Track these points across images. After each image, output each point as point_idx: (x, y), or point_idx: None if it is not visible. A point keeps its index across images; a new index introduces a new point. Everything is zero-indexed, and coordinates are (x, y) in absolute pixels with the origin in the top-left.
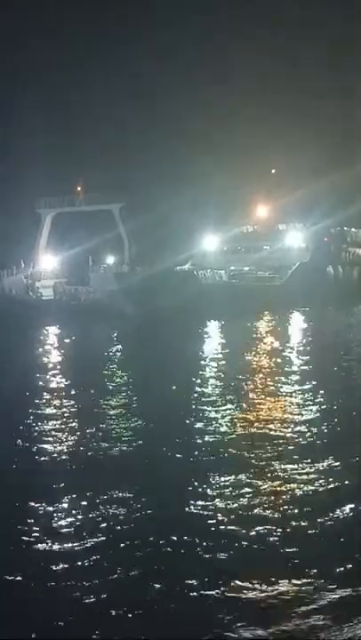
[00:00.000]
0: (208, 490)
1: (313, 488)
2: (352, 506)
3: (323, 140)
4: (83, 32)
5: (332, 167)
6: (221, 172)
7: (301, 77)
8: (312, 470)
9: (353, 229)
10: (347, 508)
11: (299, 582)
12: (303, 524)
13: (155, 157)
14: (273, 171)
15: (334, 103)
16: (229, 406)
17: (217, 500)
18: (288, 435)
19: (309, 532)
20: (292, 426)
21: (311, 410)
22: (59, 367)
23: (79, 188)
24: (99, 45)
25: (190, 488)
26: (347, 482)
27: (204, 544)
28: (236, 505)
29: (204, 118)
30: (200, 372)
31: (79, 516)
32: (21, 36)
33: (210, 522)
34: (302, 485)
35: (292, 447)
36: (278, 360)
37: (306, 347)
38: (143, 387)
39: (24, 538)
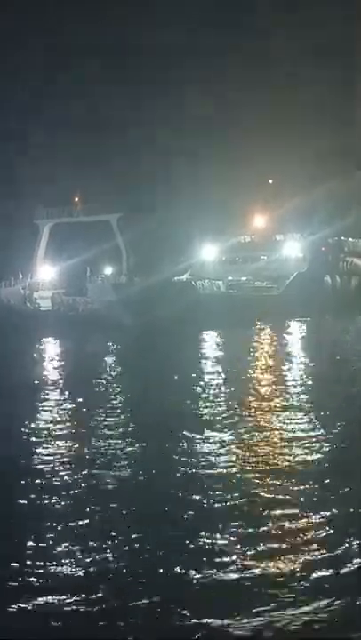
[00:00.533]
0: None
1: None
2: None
3: (320, 150)
4: (82, 42)
5: (329, 177)
6: (219, 183)
7: (298, 89)
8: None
9: (350, 239)
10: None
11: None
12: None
13: (153, 168)
14: (270, 181)
15: (331, 114)
16: (226, 433)
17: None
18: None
19: None
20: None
21: (317, 438)
22: (54, 380)
23: (77, 199)
24: (99, 53)
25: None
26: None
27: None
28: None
29: (202, 130)
30: (199, 389)
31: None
32: (21, 40)
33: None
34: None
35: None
36: (279, 375)
37: (305, 359)
38: (139, 404)
39: None
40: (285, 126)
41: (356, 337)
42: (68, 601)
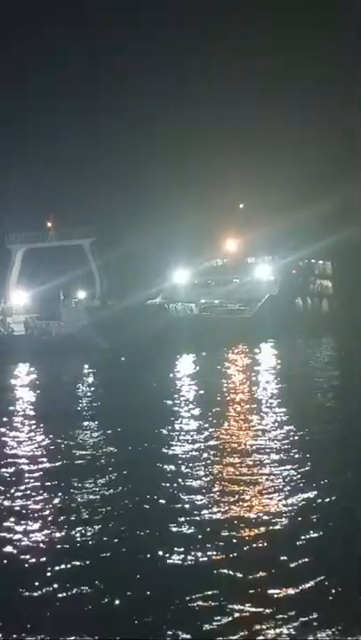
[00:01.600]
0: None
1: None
2: None
3: (292, 175)
4: (52, 74)
5: (300, 202)
6: (191, 207)
7: (268, 118)
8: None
9: (321, 262)
10: None
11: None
12: None
13: (125, 193)
14: (241, 205)
15: (301, 141)
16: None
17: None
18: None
19: None
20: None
21: (291, 458)
22: (25, 408)
23: (50, 224)
24: (69, 82)
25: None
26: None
27: None
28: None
29: (174, 154)
30: (172, 418)
31: None
32: None
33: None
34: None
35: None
36: (252, 399)
37: (277, 381)
38: (113, 435)
39: None
40: (256, 153)
41: (325, 359)
42: None
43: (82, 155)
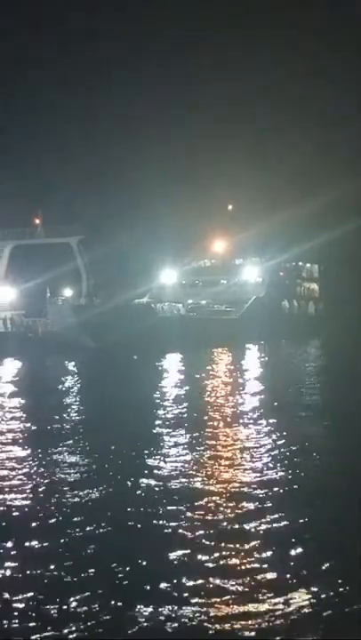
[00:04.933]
0: None
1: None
2: None
3: (280, 177)
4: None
5: (288, 204)
6: (180, 208)
7: (256, 119)
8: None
9: (308, 264)
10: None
11: None
12: None
13: (114, 191)
14: (230, 207)
15: (289, 142)
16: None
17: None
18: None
19: None
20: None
21: (272, 459)
22: (5, 405)
23: (38, 221)
24: (56, 80)
25: None
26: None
27: None
28: None
29: (164, 154)
30: (157, 417)
31: None
32: None
33: None
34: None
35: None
36: (237, 399)
37: (262, 382)
38: (95, 435)
39: None
40: (244, 154)
41: (310, 362)
42: None
43: (71, 152)
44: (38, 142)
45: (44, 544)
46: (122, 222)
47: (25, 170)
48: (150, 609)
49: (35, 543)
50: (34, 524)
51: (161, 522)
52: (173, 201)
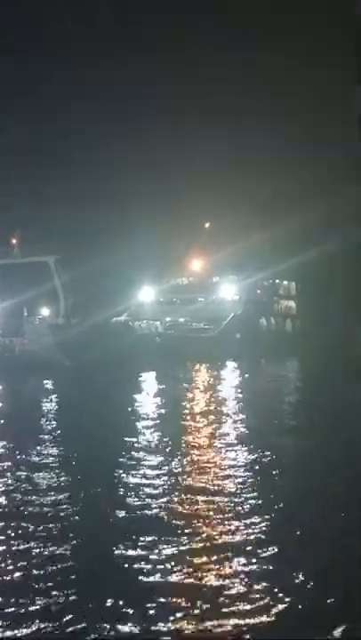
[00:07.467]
0: None
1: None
2: None
3: (256, 196)
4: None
5: (264, 222)
6: (157, 226)
7: (233, 135)
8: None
9: (285, 282)
10: None
11: None
12: None
13: (90, 211)
14: (207, 225)
15: (265, 160)
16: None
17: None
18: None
19: None
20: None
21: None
22: None
23: (14, 240)
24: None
25: None
26: None
27: None
28: None
29: (138, 172)
30: (133, 442)
31: None
32: None
33: None
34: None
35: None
36: (216, 422)
37: (240, 402)
38: (74, 458)
39: None
40: (222, 171)
41: (287, 381)
42: None
43: (46, 172)
44: (15, 163)
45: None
46: (100, 242)
47: (1, 188)
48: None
49: None
50: None
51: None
52: (150, 219)
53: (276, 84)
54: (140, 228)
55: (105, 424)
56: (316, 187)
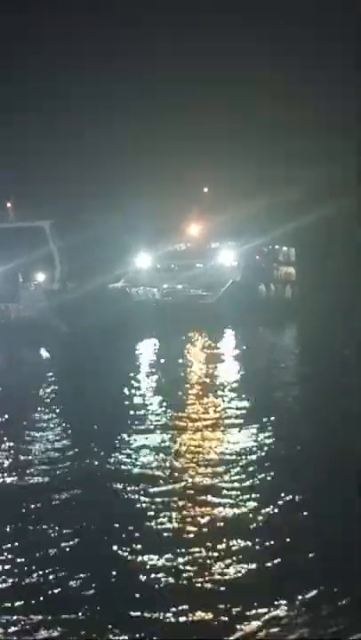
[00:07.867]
0: None
1: None
2: None
3: (255, 160)
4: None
5: (264, 187)
6: (155, 190)
7: (233, 101)
8: None
9: (284, 248)
10: None
11: None
12: None
13: (87, 175)
14: (205, 189)
15: (266, 124)
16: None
17: None
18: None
19: None
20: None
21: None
22: None
23: (9, 205)
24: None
25: None
26: None
27: None
28: None
29: (137, 136)
30: (135, 409)
31: None
32: None
33: None
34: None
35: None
36: (215, 390)
37: (239, 368)
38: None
39: None
40: (222, 136)
41: (286, 346)
42: None
43: (43, 136)
44: (12, 127)
45: None
46: (96, 206)
47: None
48: None
49: None
50: None
51: None
52: (148, 184)
53: (277, 55)
54: (138, 192)
55: (103, 391)
56: (315, 152)
